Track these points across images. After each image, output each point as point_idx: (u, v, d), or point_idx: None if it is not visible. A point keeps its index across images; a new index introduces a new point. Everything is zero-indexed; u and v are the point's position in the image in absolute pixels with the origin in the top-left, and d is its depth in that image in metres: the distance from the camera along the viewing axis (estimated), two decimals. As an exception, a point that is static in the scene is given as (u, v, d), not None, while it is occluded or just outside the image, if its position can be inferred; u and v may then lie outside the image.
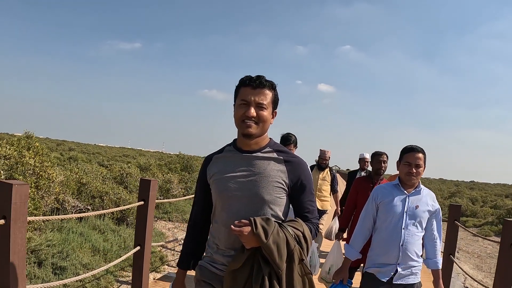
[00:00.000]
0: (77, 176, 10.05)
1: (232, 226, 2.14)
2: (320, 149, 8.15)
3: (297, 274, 2.19)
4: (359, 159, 8.64)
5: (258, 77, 2.28)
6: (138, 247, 5.26)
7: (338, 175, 8.33)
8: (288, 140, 5.10)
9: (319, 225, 7.65)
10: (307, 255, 2.30)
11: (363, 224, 3.60)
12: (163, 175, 14.96)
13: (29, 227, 6.38)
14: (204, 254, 2.53)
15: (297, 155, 2.47)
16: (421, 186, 3.50)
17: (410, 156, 3.39)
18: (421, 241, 3.50)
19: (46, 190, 7.50)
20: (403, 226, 3.37)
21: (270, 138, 2.45)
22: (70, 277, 5.82)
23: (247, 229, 2.11)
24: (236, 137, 2.43)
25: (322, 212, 7.94)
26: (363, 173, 8.35)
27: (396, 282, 3.38)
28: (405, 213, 3.39)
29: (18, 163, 6.89)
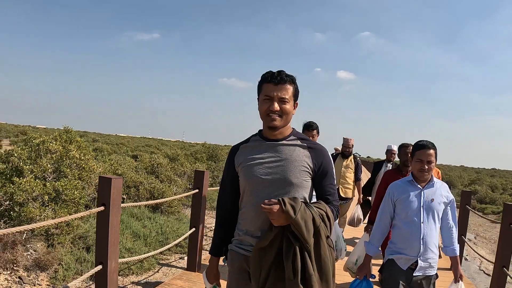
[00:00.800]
0: (113, 168, 10.68)
1: (262, 205, 2.28)
2: (344, 137, 8.27)
3: (325, 248, 2.35)
4: (387, 150, 8.56)
5: (279, 73, 2.44)
6: (194, 229, 6.19)
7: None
8: (311, 127, 5.24)
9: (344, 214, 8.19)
10: (330, 233, 2.44)
11: (380, 221, 3.75)
12: (191, 165, 15.52)
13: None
14: (233, 237, 2.65)
15: (318, 143, 2.66)
16: (434, 179, 3.59)
17: (422, 153, 3.49)
18: (438, 232, 3.62)
19: (88, 181, 8.10)
20: (422, 221, 3.48)
21: (292, 128, 2.61)
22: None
23: (277, 207, 2.25)
24: (261, 128, 2.61)
25: (346, 199, 8.09)
26: (389, 165, 8.37)
27: (416, 274, 3.50)
28: (421, 208, 3.50)
29: (64, 157, 7.47)
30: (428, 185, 3.56)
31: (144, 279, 6.29)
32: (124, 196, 10.31)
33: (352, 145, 8.30)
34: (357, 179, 8.35)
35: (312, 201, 2.51)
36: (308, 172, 2.46)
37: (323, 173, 2.51)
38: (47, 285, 5.67)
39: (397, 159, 7.28)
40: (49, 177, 7.06)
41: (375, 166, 8.63)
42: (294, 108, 2.53)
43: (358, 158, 8.52)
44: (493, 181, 35.39)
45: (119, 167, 11.02)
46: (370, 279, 3.79)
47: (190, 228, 6.22)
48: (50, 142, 7.47)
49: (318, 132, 5.32)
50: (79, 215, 3.97)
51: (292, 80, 2.46)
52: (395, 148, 8.39)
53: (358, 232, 9.73)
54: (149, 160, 14.19)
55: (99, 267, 4.09)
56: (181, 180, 13.37)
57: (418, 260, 3.48)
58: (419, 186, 3.56)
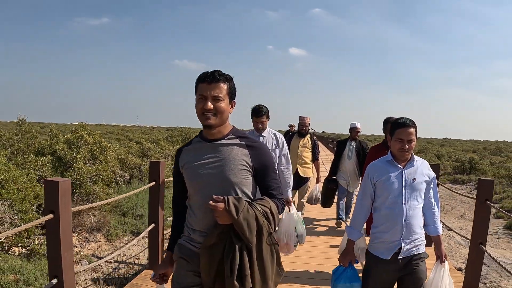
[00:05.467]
0: (116, 153, 12.76)
1: (210, 202, 2.31)
2: (300, 116, 7.89)
3: (266, 246, 2.42)
4: (350, 128, 8.32)
5: (213, 72, 2.44)
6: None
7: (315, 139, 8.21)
8: (259, 112, 5.01)
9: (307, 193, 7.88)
10: (275, 229, 2.50)
11: (361, 204, 3.51)
12: (173, 147, 17.68)
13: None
14: (183, 233, 2.66)
15: (257, 140, 2.66)
16: (414, 157, 3.41)
17: (402, 132, 3.28)
18: (422, 212, 3.44)
19: (109, 164, 10.21)
20: (404, 202, 3.29)
21: (232, 125, 2.62)
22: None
23: (221, 205, 2.28)
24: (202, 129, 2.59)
25: (305, 179, 7.74)
26: (353, 143, 8.27)
27: (401, 257, 3.32)
28: (403, 188, 3.30)
29: (94, 146, 9.61)
30: (409, 164, 3.37)
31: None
32: (127, 176, 12.44)
33: (309, 123, 7.92)
34: (315, 158, 8.01)
35: (257, 198, 2.57)
36: (247, 170, 2.49)
37: (264, 169, 2.56)
38: (105, 241, 7.86)
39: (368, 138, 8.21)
40: (88, 163, 9.19)
41: (338, 145, 8.57)
42: (232, 107, 2.56)
43: (315, 138, 8.15)
44: (441, 150, 37.40)
45: (121, 153, 13.09)
46: (355, 265, 3.59)
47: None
48: (86, 136, 9.56)
49: (268, 117, 5.10)
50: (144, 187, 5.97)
51: (226, 79, 2.47)
52: (359, 125, 8.30)
53: (319, 212, 9.46)
54: (137, 146, 16.35)
55: (152, 225, 5.48)
56: (167, 161, 15.61)
57: (402, 242, 3.31)
58: (399, 166, 3.36)
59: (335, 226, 8.52)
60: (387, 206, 3.33)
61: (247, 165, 2.49)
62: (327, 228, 8.47)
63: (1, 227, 5.66)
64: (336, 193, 8.48)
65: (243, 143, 2.53)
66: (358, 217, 3.54)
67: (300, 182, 7.60)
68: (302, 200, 7.81)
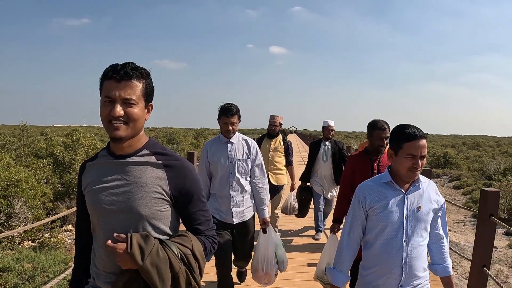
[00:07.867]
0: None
1: (108, 241, 1.76)
2: (270, 115, 6.91)
3: None
4: (323, 127, 7.48)
5: (123, 66, 1.82)
6: None
7: (296, 137, 6.92)
8: (229, 110, 4.14)
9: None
10: (201, 276, 1.93)
11: (349, 237, 2.68)
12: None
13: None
14: (90, 277, 2.06)
15: (181, 157, 2.03)
16: (420, 177, 2.56)
17: (414, 146, 2.41)
18: (426, 249, 2.64)
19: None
20: (404, 238, 2.50)
21: (149, 137, 2.03)
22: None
23: (122, 246, 1.74)
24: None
25: (278, 188, 6.78)
26: (327, 143, 7.41)
27: None
28: (405, 220, 2.51)
29: (90, 148, 10.35)
30: (413, 187, 2.54)
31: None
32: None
33: (280, 123, 6.96)
34: (288, 163, 7.03)
35: (175, 234, 1.97)
36: (163, 199, 1.91)
37: (187, 197, 1.96)
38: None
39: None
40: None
41: (312, 146, 7.67)
42: (148, 112, 1.96)
43: (287, 139, 7.11)
44: (420, 145, 38.44)
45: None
46: None
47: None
48: (82, 139, 10.30)
49: (239, 118, 4.25)
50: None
51: (141, 75, 1.87)
52: (332, 123, 7.51)
53: (293, 222, 8.49)
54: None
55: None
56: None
57: None
58: (401, 189, 2.54)
59: (314, 239, 7.48)
60: (382, 243, 2.55)
61: (163, 192, 1.90)
62: (304, 242, 7.36)
63: (17, 221, 6.39)
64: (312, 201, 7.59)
65: (159, 162, 1.93)
66: (344, 256, 2.68)
67: (272, 191, 6.38)
68: (275, 211, 6.88)
